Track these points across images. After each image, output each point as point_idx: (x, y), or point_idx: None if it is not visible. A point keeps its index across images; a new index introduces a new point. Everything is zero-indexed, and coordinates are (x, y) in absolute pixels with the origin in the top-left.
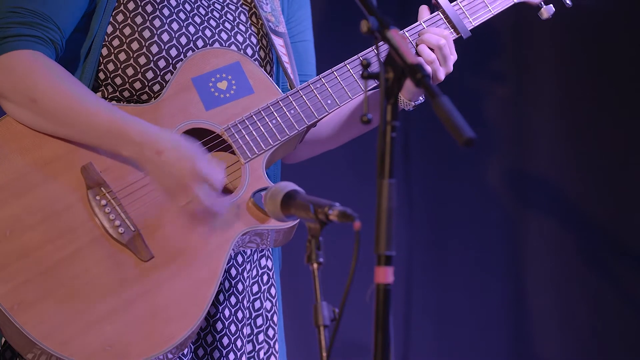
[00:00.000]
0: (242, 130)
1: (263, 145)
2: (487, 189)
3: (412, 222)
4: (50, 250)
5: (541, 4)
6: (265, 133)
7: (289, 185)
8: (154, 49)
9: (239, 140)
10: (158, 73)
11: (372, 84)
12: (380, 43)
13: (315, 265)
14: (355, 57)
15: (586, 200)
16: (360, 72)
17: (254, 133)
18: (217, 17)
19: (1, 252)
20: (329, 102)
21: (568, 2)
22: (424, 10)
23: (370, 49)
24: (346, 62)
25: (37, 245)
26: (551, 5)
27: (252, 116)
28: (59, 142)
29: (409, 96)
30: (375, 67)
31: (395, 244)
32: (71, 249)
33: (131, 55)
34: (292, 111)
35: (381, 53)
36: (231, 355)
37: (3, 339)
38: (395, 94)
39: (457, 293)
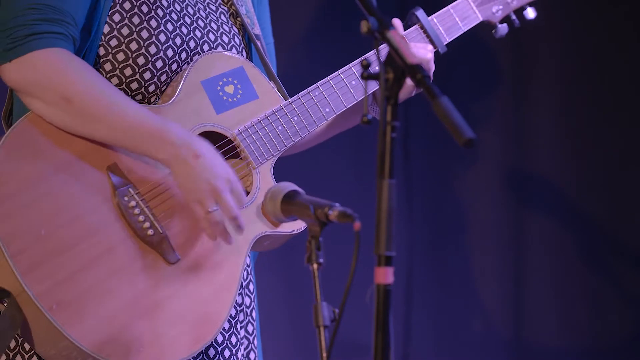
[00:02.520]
0: (252, 135)
1: (272, 151)
2: (487, 189)
3: (412, 222)
4: (83, 249)
5: (496, 24)
6: (273, 139)
7: (289, 186)
8: (152, 49)
9: (250, 145)
10: (155, 73)
11: (373, 84)
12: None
13: (315, 266)
14: (347, 66)
15: (586, 201)
16: (352, 82)
17: (263, 138)
18: (204, 16)
19: (37, 251)
20: (327, 110)
21: (517, 22)
22: (397, 23)
23: (361, 58)
24: (339, 71)
25: (70, 244)
26: (505, 24)
27: (260, 122)
28: (83, 141)
29: (402, 96)
30: (374, 66)
31: (395, 244)
32: (103, 248)
33: (130, 55)
34: (295, 118)
35: (374, 54)
36: (226, 352)
37: (13, 344)
38: (395, 94)
39: (457, 293)
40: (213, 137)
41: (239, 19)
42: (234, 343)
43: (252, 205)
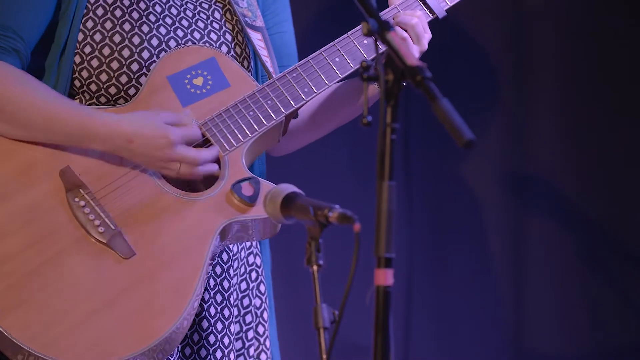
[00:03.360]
0: (220, 123)
1: (241, 137)
2: (487, 190)
3: (412, 224)
4: (31, 254)
5: None
6: (242, 125)
7: (289, 188)
8: (126, 52)
9: (217, 134)
10: (132, 76)
11: (372, 87)
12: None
13: (315, 268)
14: (331, 44)
15: (586, 202)
16: (336, 59)
17: (231, 126)
18: (190, 16)
19: None
20: (306, 90)
21: None
22: None
23: (346, 34)
24: (322, 49)
25: (18, 251)
26: None
27: (228, 109)
28: (37, 147)
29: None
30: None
31: (395, 246)
32: (53, 251)
33: (103, 60)
34: (269, 102)
35: (361, 41)
36: (218, 353)
37: None
38: (395, 95)
39: (457, 295)
40: None
41: (235, 14)
42: (226, 344)
43: (218, 193)
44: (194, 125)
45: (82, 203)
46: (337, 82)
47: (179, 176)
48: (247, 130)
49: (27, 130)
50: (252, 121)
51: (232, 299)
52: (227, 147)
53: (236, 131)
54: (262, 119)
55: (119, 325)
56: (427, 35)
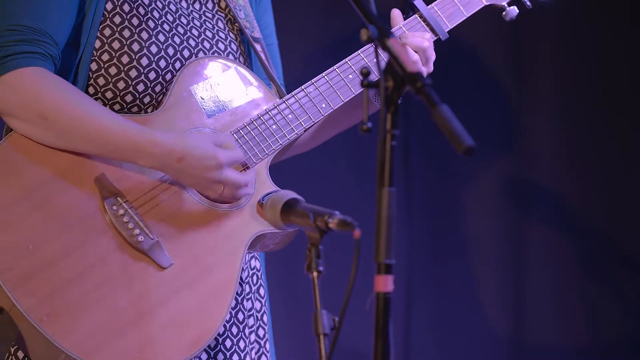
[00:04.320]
0: (245, 136)
1: (266, 150)
2: (487, 197)
3: (412, 230)
4: (72, 260)
5: (504, 6)
6: (267, 138)
7: (289, 194)
8: (144, 61)
9: (243, 146)
10: (149, 85)
11: (372, 98)
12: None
13: (315, 274)
14: (344, 61)
15: (586, 208)
16: (349, 76)
17: (256, 138)
18: (198, 25)
19: (25, 266)
20: (323, 105)
21: (528, 3)
22: (396, 14)
23: (357, 52)
24: (335, 66)
25: (59, 257)
26: (514, 7)
27: (252, 122)
28: (70, 155)
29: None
30: (374, 73)
31: (395, 252)
32: (92, 258)
33: (122, 69)
34: (289, 116)
35: (372, 59)
36: (235, 357)
37: (10, 356)
38: (395, 102)
39: (457, 301)
40: None
41: (236, 24)
42: (242, 348)
43: (247, 205)
44: (237, 148)
45: (121, 212)
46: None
47: (220, 197)
48: (271, 144)
49: (71, 142)
50: (275, 135)
51: (244, 303)
52: (253, 159)
53: (261, 144)
54: (285, 133)
55: (158, 335)
56: (433, 58)
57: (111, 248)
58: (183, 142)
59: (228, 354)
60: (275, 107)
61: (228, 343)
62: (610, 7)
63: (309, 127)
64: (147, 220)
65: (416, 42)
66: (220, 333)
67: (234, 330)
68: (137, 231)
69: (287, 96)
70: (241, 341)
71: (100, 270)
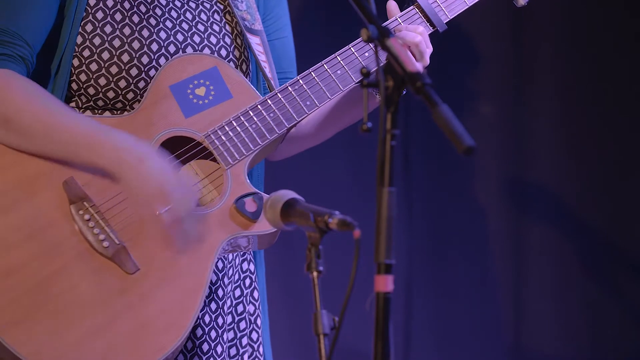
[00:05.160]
0: (223, 136)
1: (244, 151)
2: (487, 197)
3: (412, 230)
4: (35, 267)
5: None
6: (245, 138)
7: (289, 194)
8: (125, 57)
9: (220, 146)
10: (131, 81)
11: (372, 92)
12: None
13: (315, 274)
14: (333, 56)
15: (586, 209)
16: (338, 72)
17: (234, 139)
18: (190, 19)
19: None
20: (308, 103)
21: None
22: (392, 6)
23: (348, 46)
24: (323, 61)
25: (22, 263)
26: None
27: (231, 122)
28: (40, 159)
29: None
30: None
31: (395, 252)
32: (57, 265)
33: (102, 65)
34: (271, 114)
35: (369, 59)
36: None
37: None
38: (395, 102)
39: (457, 301)
40: (183, 142)
41: (235, 17)
42: (219, 352)
43: (220, 208)
44: (197, 190)
45: (87, 217)
46: (338, 95)
47: (157, 217)
48: (250, 144)
49: (33, 143)
50: (254, 134)
51: (225, 307)
52: (230, 160)
53: (239, 144)
54: (265, 132)
55: (123, 341)
56: (429, 50)
57: (76, 254)
58: (146, 146)
59: (204, 358)
60: (257, 105)
61: (205, 347)
62: (610, 7)
63: (292, 126)
64: (113, 224)
65: (407, 37)
66: (198, 336)
67: (213, 334)
68: (102, 236)
69: (270, 94)
70: (219, 346)
71: (64, 277)
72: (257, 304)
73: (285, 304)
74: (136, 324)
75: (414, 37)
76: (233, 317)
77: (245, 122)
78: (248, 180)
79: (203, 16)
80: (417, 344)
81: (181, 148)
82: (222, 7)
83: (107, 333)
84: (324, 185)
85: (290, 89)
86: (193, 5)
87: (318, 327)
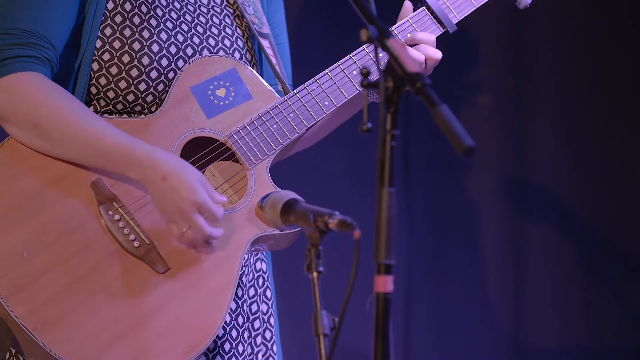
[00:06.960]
0: (245, 136)
1: (266, 150)
2: (487, 197)
3: (412, 230)
4: (67, 268)
5: None
6: (267, 138)
7: (289, 194)
8: (145, 60)
9: (243, 147)
10: (150, 84)
11: (372, 92)
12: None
13: (315, 274)
14: (348, 57)
15: (586, 209)
16: (353, 72)
17: (256, 139)
18: (204, 22)
19: (20, 274)
20: (326, 103)
21: None
22: (407, 6)
23: (362, 47)
24: (339, 62)
25: (54, 264)
26: None
27: (253, 122)
28: (65, 161)
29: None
30: (375, 74)
31: (395, 252)
32: (88, 265)
33: (123, 68)
34: (291, 114)
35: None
36: None
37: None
38: (395, 102)
39: (456, 302)
40: (206, 142)
41: (244, 20)
42: (240, 352)
43: (246, 207)
44: (221, 207)
45: (117, 217)
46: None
47: (180, 237)
48: (272, 144)
49: (63, 150)
50: (276, 134)
51: (245, 306)
52: (253, 160)
53: (262, 144)
54: (286, 132)
55: (155, 341)
56: (433, 61)
57: (107, 254)
58: (173, 162)
59: (226, 357)
60: (277, 105)
61: (227, 346)
62: (610, 7)
63: (311, 127)
64: (143, 224)
65: (430, 54)
66: (220, 336)
67: (234, 333)
68: (132, 236)
69: (289, 94)
70: (240, 345)
71: (96, 277)
72: (269, 303)
73: (286, 304)
74: (168, 323)
75: (434, 54)
76: (248, 317)
77: (266, 122)
78: (271, 180)
79: (216, 20)
80: (417, 344)
81: (204, 149)
82: (231, 10)
83: (140, 333)
84: (324, 185)
85: (308, 89)
86: (204, 9)
87: (318, 328)
